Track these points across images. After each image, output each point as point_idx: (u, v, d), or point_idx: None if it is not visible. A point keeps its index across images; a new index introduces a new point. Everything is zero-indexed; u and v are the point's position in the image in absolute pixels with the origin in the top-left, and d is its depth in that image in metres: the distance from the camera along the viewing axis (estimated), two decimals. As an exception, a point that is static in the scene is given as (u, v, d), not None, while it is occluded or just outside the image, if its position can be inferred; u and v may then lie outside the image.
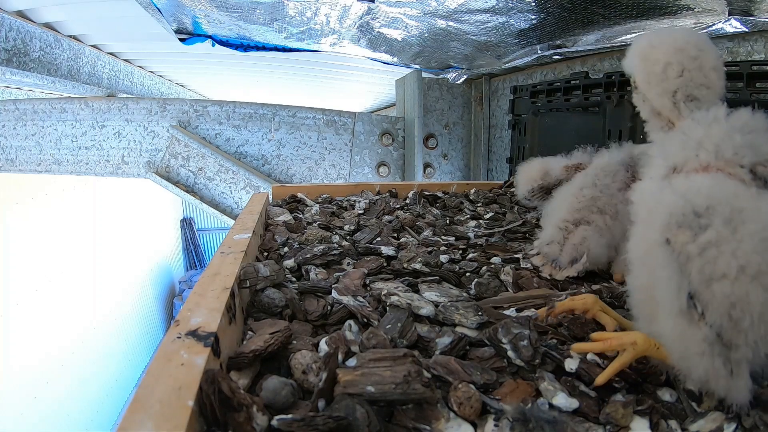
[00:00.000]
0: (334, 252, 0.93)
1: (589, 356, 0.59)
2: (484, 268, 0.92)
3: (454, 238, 1.13)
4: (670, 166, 0.59)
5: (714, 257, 0.46)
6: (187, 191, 2.59)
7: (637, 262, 0.60)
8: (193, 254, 9.24)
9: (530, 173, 1.13)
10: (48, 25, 2.67)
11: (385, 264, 0.91)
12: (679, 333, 0.50)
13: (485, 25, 1.84)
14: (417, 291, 0.77)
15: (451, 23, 1.87)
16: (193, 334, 0.50)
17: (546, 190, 1.09)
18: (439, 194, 1.59)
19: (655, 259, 0.52)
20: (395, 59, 2.55)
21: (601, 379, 0.54)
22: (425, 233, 1.16)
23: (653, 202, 0.56)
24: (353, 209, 1.38)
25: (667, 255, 0.50)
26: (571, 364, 0.57)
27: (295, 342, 0.61)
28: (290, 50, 2.48)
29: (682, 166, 0.57)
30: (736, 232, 0.46)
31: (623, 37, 1.66)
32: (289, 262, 0.90)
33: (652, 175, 0.62)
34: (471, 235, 1.15)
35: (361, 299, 0.73)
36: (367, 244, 1.02)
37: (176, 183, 2.60)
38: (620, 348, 0.55)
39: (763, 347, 0.46)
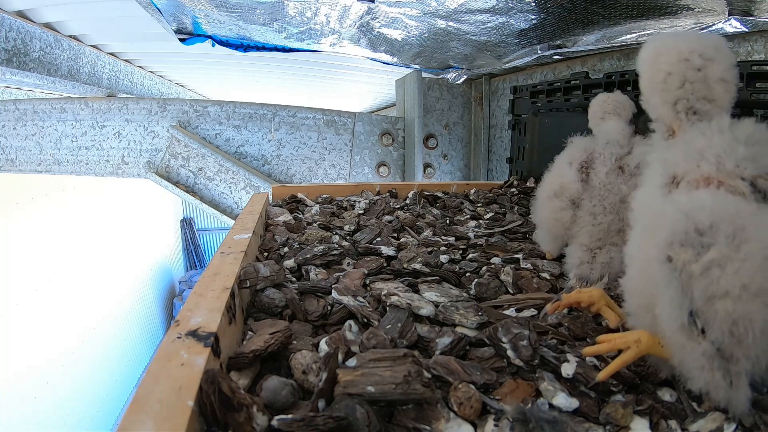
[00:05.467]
0: (334, 252, 0.93)
1: (587, 359, 0.58)
2: (484, 268, 0.92)
3: (454, 238, 1.13)
4: (669, 174, 0.58)
5: (717, 276, 0.46)
6: (187, 191, 2.58)
7: (637, 269, 0.59)
8: (193, 254, 9.24)
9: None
10: (48, 25, 2.67)
11: (385, 264, 0.92)
12: (678, 346, 0.50)
13: (485, 26, 1.83)
14: (417, 291, 0.77)
15: (451, 23, 1.87)
16: (193, 334, 0.50)
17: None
18: (439, 194, 1.59)
19: (654, 273, 0.52)
20: (395, 59, 2.55)
21: (602, 375, 0.54)
22: (425, 233, 1.16)
23: (654, 215, 0.56)
24: (353, 209, 1.38)
25: (668, 272, 0.49)
26: (567, 370, 0.56)
27: (295, 342, 0.61)
28: (290, 50, 2.48)
29: (683, 176, 0.56)
30: (738, 251, 0.46)
31: (623, 37, 1.66)
32: (289, 262, 0.90)
33: (651, 183, 0.61)
34: (471, 235, 1.15)
35: (361, 299, 0.73)
36: (367, 244, 1.02)
37: (176, 183, 2.59)
38: (625, 346, 0.55)
39: (764, 359, 0.47)
